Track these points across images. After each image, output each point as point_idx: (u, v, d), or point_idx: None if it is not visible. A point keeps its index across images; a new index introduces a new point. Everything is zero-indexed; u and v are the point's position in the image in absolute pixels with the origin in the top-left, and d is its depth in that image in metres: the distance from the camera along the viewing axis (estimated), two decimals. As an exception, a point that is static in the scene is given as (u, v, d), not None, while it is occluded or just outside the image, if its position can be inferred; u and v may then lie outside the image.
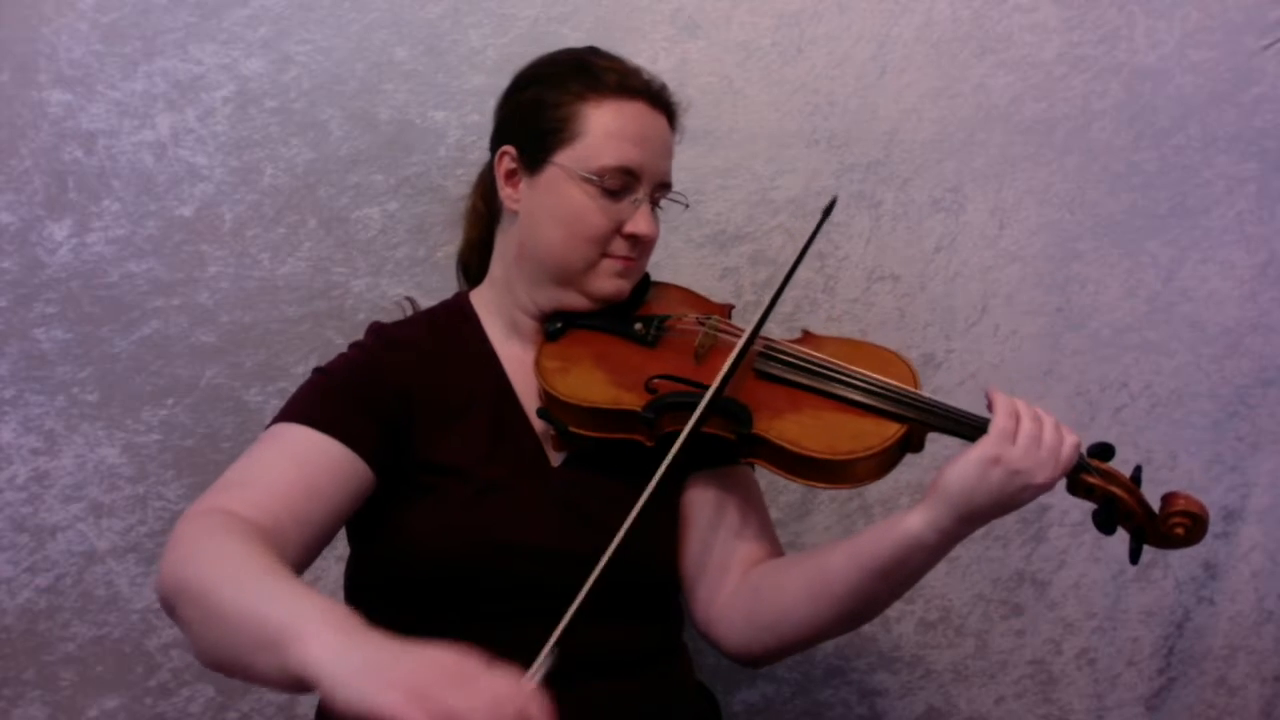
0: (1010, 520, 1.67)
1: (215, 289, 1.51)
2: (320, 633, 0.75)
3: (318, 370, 1.12)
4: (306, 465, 1.01)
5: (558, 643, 0.85)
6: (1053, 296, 1.65)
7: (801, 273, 1.61)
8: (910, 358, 1.16)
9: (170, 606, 0.89)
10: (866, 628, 1.67)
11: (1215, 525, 1.69)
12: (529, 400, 1.15)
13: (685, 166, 1.57)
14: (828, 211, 1.22)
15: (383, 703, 0.69)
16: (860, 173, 1.61)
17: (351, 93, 1.50)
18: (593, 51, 1.20)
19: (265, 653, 0.77)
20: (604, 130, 1.12)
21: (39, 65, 1.44)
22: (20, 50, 1.44)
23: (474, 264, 1.29)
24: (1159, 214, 1.64)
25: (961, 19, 1.59)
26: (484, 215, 1.26)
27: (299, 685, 0.75)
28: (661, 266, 1.57)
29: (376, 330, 1.18)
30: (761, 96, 1.58)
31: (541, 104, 1.15)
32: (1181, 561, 1.69)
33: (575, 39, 1.53)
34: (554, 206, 1.14)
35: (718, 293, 1.60)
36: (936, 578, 1.67)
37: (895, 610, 1.68)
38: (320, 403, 1.07)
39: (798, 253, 1.16)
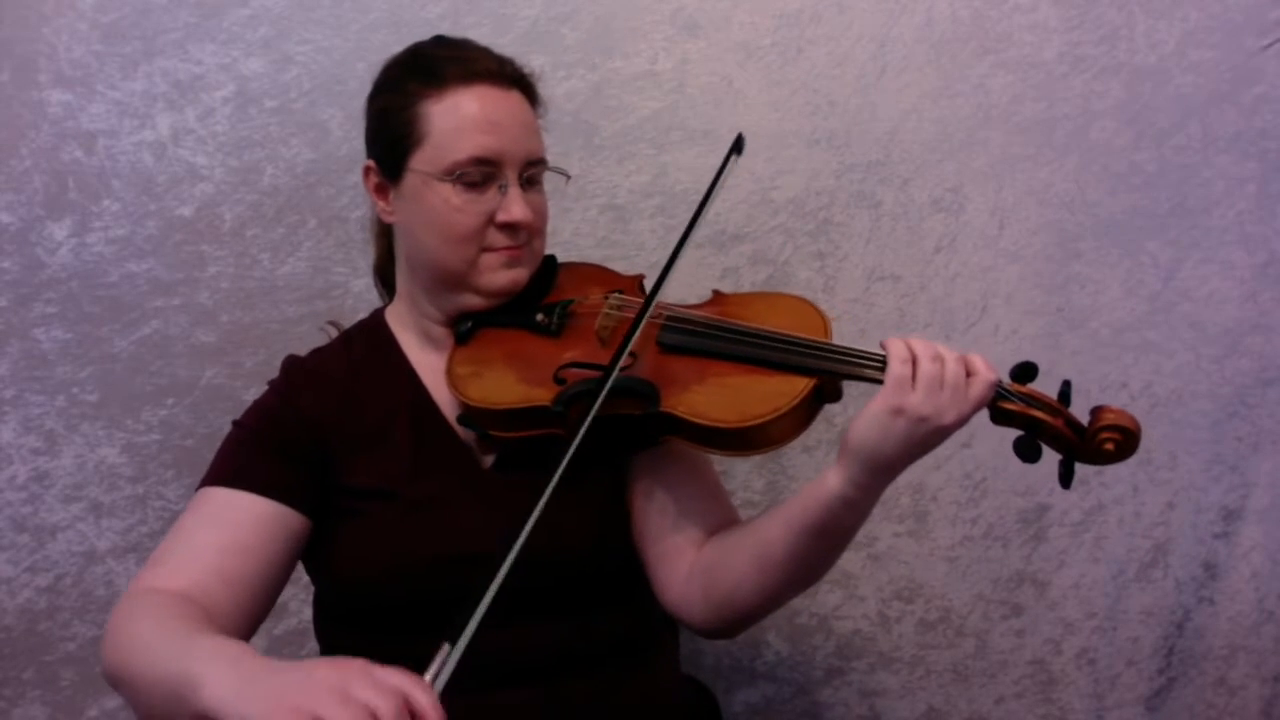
0: (1010, 520, 1.67)
1: (215, 289, 1.51)
2: (212, 674, 0.80)
3: (234, 423, 1.14)
4: (227, 526, 1.03)
5: (456, 643, 0.84)
6: (1053, 296, 1.65)
7: (801, 273, 1.62)
8: (820, 303, 1.11)
9: (115, 690, 0.94)
10: (866, 627, 1.68)
11: (1215, 525, 1.69)
12: (450, 409, 1.14)
13: (685, 167, 1.57)
14: (736, 148, 1.18)
15: None
16: (860, 173, 1.60)
17: (351, 93, 1.50)
18: (435, 42, 1.17)
19: (179, 707, 0.82)
20: (448, 126, 1.09)
21: (39, 65, 1.44)
22: (20, 50, 1.44)
23: (389, 275, 1.27)
24: (1159, 214, 1.64)
25: (961, 19, 1.59)
26: (385, 228, 1.24)
27: None
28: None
29: (287, 366, 1.18)
30: (761, 96, 1.58)
31: (387, 112, 1.12)
32: (1181, 561, 1.69)
33: (575, 39, 1.53)
34: (421, 214, 1.11)
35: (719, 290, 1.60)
36: (936, 578, 1.67)
37: (895, 610, 1.68)
38: (236, 460, 1.09)
39: (702, 199, 1.13)
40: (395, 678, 0.76)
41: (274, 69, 1.49)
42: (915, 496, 1.65)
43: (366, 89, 1.50)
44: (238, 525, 1.03)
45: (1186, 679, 1.72)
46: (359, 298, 1.53)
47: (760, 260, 1.61)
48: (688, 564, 1.11)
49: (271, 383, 1.17)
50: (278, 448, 1.09)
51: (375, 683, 0.75)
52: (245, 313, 1.51)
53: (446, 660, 0.81)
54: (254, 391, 1.51)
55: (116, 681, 0.92)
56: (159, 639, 0.89)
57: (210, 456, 1.52)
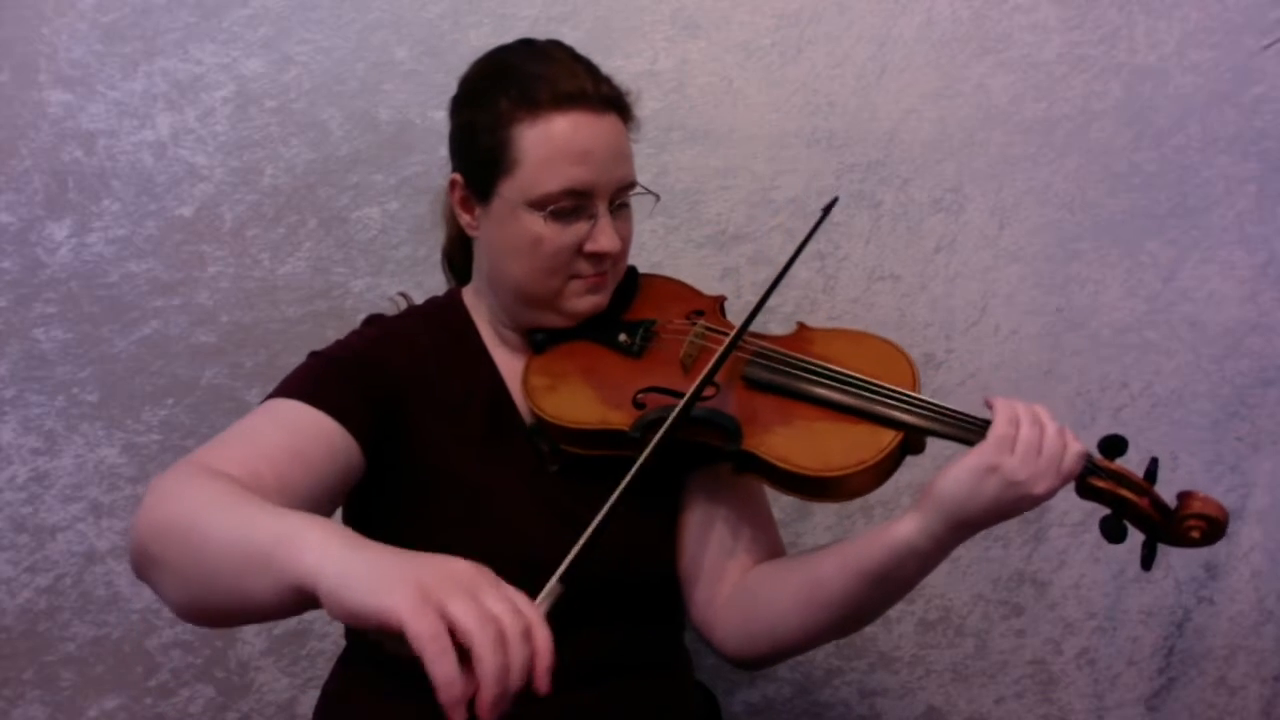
0: (1010, 520, 1.67)
1: (215, 289, 1.51)
2: (320, 539, 0.70)
3: (313, 354, 1.08)
4: (293, 432, 0.96)
5: (563, 579, 0.79)
6: (1053, 296, 1.65)
7: (801, 273, 1.61)
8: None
9: (146, 557, 0.82)
10: (866, 627, 1.67)
11: (1215, 525, 1.69)
12: (524, 405, 1.12)
13: (685, 167, 1.57)
14: (827, 210, 1.18)
15: (393, 603, 0.64)
16: (860, 173, 1.60)
17: (351, 93, 1.50)
18: (526, 52, 1.11)
19: (257, 573, 0.72)
20: (541, 155, 1.04)
21: (39, 65, 1.44)
22: (20, 50, 1.44)
23: (458, 259, 1.25)
24: (1159, 214, 1.64)
25: (961, 19, 1.59)
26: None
27: (296, 601, 0.71)
28: (662, 266, 1.57)
29: (374, 320, 1.16)
30: (761, 96, 1.58)
31: (475, 129, 1.08)
32: (1181, 562, 1.69)
33: (575, 39, 1.52)
34: (507, 238, 1.08)
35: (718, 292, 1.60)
36: (936, 578, 1.67)
37: (895, 610, 1.67)
38: (314, 380, 1.02)
39: (793, 254, 1.12)
40: (524, 602, 0.69)
41: (274, 69, 1.49)
42: (915, 497, 1.65)
43: (367, 89, 1.52)
44: (304, 435, 0.95)
45: (1186, 679, 1.72)
46: (359, 298, 1.53)
47: (760, 260, 1.61)
48: (729, 588, 1.11)
49: (355, 332, 1.12)
50: (357, 383, 1.03)
51: (505, 599, 0.68)
52: (245, 313, 1.51)
53: (554, 597, 0.76)
54: (255, 391, 1.53)
55: (157, 540, 0.80)
56: (238, 501, 0.79)
57: (210, 456, 1.53)
